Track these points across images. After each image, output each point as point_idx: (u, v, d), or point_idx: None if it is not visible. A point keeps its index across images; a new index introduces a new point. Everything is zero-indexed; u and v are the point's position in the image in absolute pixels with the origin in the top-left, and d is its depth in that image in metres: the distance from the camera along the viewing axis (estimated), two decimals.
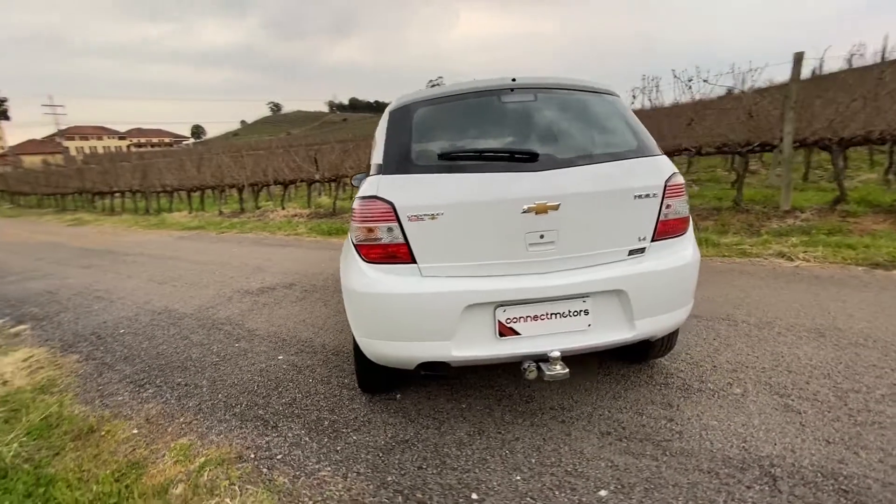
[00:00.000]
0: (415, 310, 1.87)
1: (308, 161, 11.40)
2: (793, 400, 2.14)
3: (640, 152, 2.07)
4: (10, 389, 2.83)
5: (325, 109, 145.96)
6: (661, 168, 2.03)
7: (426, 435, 2.06)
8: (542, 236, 1.86)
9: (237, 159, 12.95)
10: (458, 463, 1.86)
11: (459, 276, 1.88)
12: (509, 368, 2.44)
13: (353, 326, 2.03)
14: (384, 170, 1.98)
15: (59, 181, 19.57)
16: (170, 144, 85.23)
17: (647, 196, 1.96)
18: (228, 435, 2.19)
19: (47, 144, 67.32)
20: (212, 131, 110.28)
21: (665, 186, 1.99)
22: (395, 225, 1.86)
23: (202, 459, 2.01)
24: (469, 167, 1.92)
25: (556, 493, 1.66)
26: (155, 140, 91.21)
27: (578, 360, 2.60)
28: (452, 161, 1.94)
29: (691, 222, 2.18)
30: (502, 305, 1.86)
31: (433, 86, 2.18)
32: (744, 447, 1.83)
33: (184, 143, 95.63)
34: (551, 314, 1.89)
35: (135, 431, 2.30)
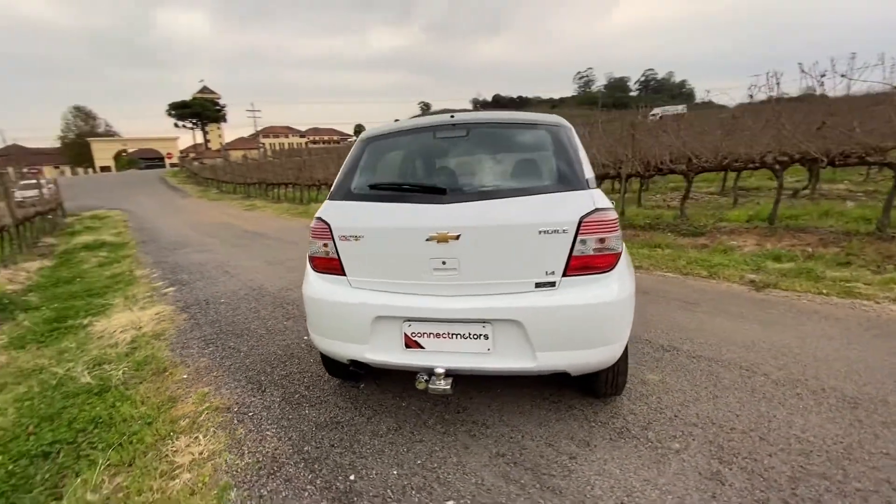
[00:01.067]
0: (339, 314, 2.23)
1: None
2: (730, 469, 1.90)
3: (558, 187, 2.07)
4: (139, 333, 4.04)
5: (470, 107, 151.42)
6: (576, 204, 2.00)
7: (356, 421, 2.42)
8: (444, 262, 2.03)
9: None
10: (362, 449, 2.18)
11: (376, 291, 2.17)
12: (464, 377, 2.61)
13: (307, 322, 2.47)
14: (332, 195, 2.37)
15: (247, 172, 24.60)
16: (337, 142, 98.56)
17: (556, 232, 1.96)
18: (233, 390, 2.87)
19: (250, 142, 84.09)
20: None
21: (580, 223, 1.96)
22: (330, 242, 2.24)
23: (207, 405, 2.71)
24: (390, 197, 2.18)
25: (414, 492, 1.87)
26: (326, 138, 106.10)
27: (530, 384, 2.65)
28: (379, 191, 2.23)
29: (622, 260, 2.07)
30: (409, 321, 2.10)
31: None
32: (623, 502, 1.76)
33: (348, 140, 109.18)
34: (452, 334, 2.06)
35: (185, 376, 3.14)
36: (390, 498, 1.85)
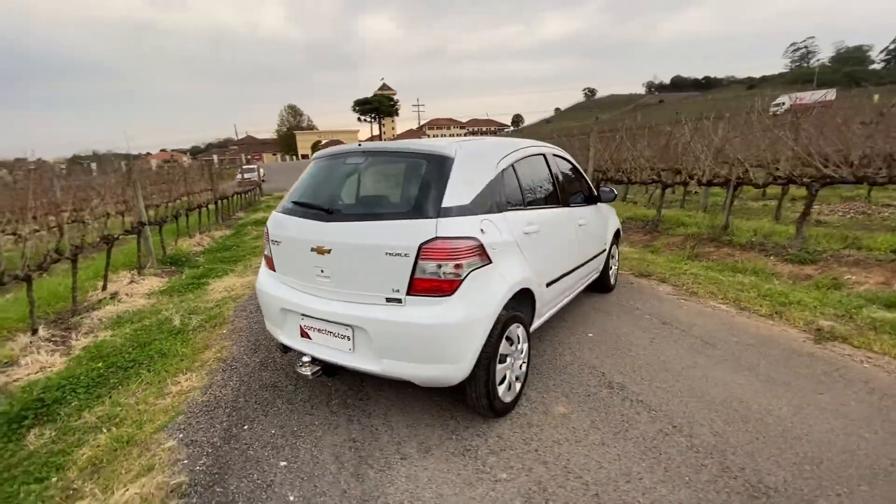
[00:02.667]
0: (267, 303, 2.81)
1: None
2: None
3: (412, 214, 2.23)
4: (227, 295, 5.38)
5: (643, 91, 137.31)
6: (420, 231, 2.16)
7: (287, 388, 3.00)
8: (322, 270, 2.43)
9: None
10: (270, 409, 2.75)
11: (288, 287, 2.69)
12: None
13: None
14: (278, 207, 2.94)
15: None
16: (494, 132, 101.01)
17: (399, 255, 2.17)
18: (240, 347, 3.75)
19: (417, 133, 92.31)
20: (529, 119, 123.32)
21: (419, 249, 2.13)
22: (268, 245, 2.83)
23: (218, 355, 3.64)
24: (298, 213, 2.64)
25: (269, 448, 2.36)
26: (484, 128, 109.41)
27: (439, 390, 2.85)
28: (295, 206, 2.71)
29: (469, 285, 2.16)
30: (304, 315, 2.56)
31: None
32: None
33: (505, 130, 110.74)
34: (328, 331, 2.45)
35: (225, 331, 4.19)
36: (251, 448, 2.39)
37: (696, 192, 10.61)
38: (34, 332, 4.43)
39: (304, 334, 2.58)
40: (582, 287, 3.99)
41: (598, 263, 4.27)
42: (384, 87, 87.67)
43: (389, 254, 2.20)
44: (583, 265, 3.73)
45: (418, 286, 2.18)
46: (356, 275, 2.34)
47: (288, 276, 2.71)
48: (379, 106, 77.65)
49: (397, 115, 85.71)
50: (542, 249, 2.89)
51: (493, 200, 2.49)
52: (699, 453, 2.21)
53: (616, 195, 4.29)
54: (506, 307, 2.46)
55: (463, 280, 2.17)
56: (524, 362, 2.73)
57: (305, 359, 2.48)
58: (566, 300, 3.59)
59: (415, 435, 2.44)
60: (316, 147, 78.23)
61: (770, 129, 6.01)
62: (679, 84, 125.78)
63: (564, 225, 3.29)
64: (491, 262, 2.31)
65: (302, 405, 2.80)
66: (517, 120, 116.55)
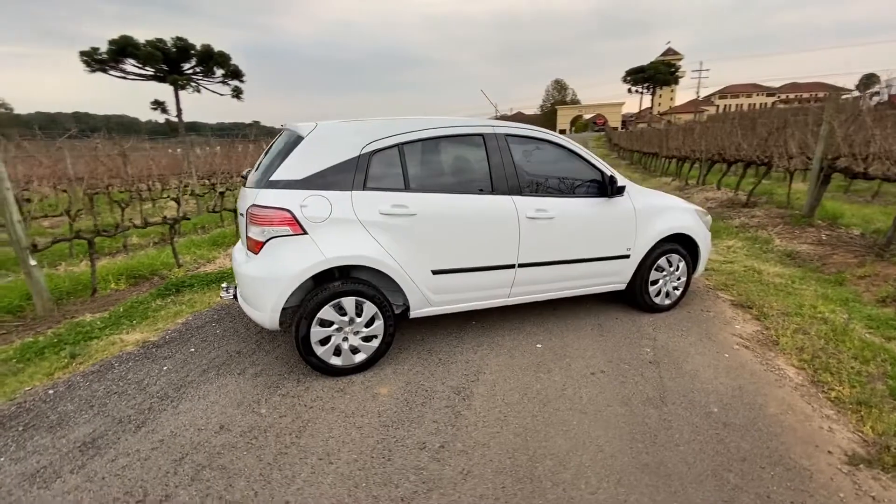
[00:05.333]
0: None
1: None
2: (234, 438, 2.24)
3: (261, 184, 2.67)
4: None
5: None
6: (249, 198, 2.60)
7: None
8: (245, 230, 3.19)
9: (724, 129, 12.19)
10: (237, 319, 3.78)
11: None
12: None
13: None
14: None
15: (656, 140, 24.74)
16: (819, 99, 75.27)
17: (243, 216, 2.70)
18: None
19: (703, 104, 78.15)
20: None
21: (247, 213, 2.61)
22: None
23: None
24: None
25: (199, 339, 3.37)
26: (806, 95, 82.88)
27: None
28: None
29: (266, 249, 2.51)
30: None
31: None
32: (197, 396, 2.60)
33: (843, 96, 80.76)
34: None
35: None
36: (195, 336, 3.46)
37: None
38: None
39: None
40: (556, 292, 3.38)
41: (609, 270, 3.47)
42: (669, 51, 77.18)
43: (241, 214, 2.78)
44: (546, 265, 3.20)
45: (249, 243, 2.69)
46: (241, 229, 3.02)
47: None
48: (654, 74, 69.34)
49: (677, 83, 74.68)
50: (425, 234, 2.81)
51: (341, 179, 2.66)
52: (425, 483, 1.97)
53: (623, 188, 3.32)
54: (339, 279, 2.68)
55: (265, 243, 2.55)
56: (375, 337, 2.82)
57: (224, 285, 3.36)
58: (508, 300, 3.22)
59: (269, 364, 3.00)
60: (575, 122, 77.28)
61: None
62: None
63: (480, 213, 2.95)
64: (305, 233, 2.56)
65: (252, 323, 3.73)
66: (868, 82, 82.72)
